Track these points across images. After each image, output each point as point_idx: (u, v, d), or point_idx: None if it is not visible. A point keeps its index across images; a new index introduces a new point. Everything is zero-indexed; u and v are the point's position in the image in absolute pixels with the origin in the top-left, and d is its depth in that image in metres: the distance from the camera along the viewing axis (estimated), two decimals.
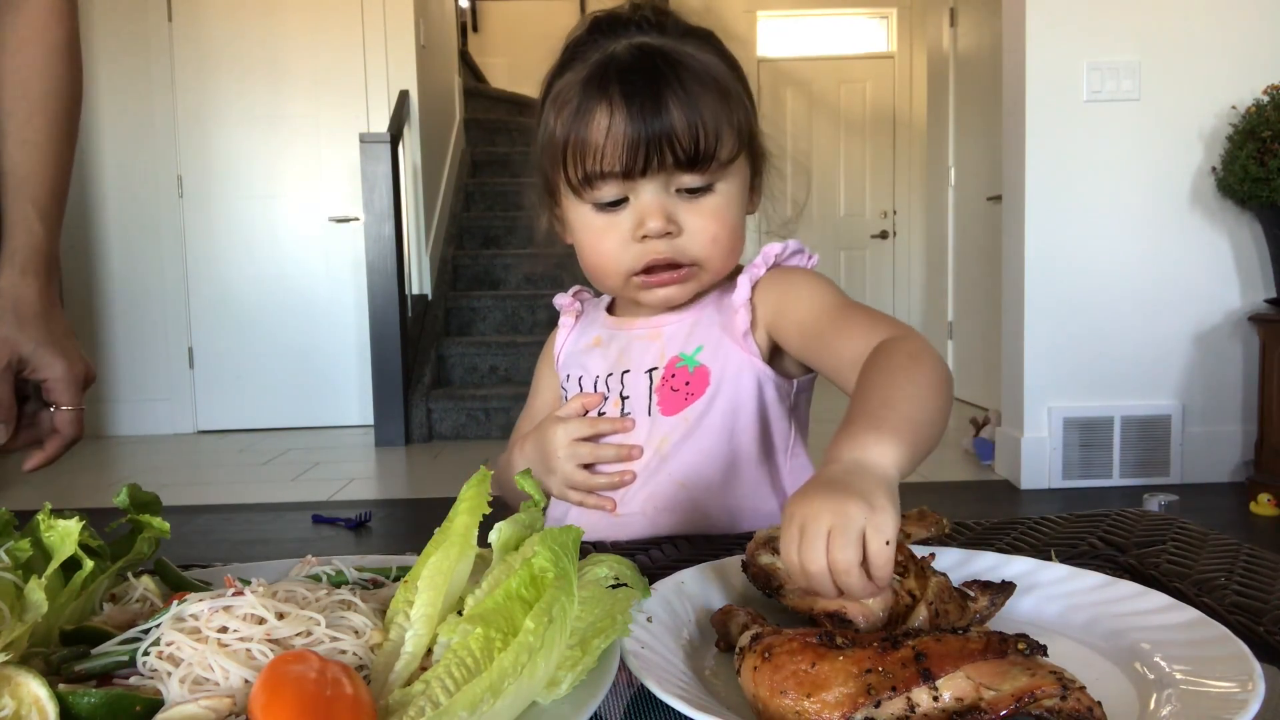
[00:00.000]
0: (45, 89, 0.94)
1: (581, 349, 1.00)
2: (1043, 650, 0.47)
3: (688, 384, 0.92)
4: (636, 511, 0.92)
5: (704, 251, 0.88)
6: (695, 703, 0.47)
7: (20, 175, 0.92)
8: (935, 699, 0.45)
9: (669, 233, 0.86)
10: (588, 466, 0.93)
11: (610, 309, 1.02)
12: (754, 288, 0.91)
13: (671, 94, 0.83)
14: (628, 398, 0.94)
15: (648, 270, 0.88)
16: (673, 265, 0.88)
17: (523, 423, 1.07)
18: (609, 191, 0.86)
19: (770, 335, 0.91)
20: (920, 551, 0.63)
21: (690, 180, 0.85)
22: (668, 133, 0.82)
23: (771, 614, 0.60)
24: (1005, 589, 0.61)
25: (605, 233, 0.88)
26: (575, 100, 0.85)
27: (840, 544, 0.53)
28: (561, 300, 1.07)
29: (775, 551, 0.59)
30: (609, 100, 0.83)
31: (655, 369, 0.94)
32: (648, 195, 0.85)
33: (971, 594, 0.59)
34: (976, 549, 0.71)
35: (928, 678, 0.46)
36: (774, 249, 0.92)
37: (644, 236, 0.86)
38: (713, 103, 0.85)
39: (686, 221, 0.86)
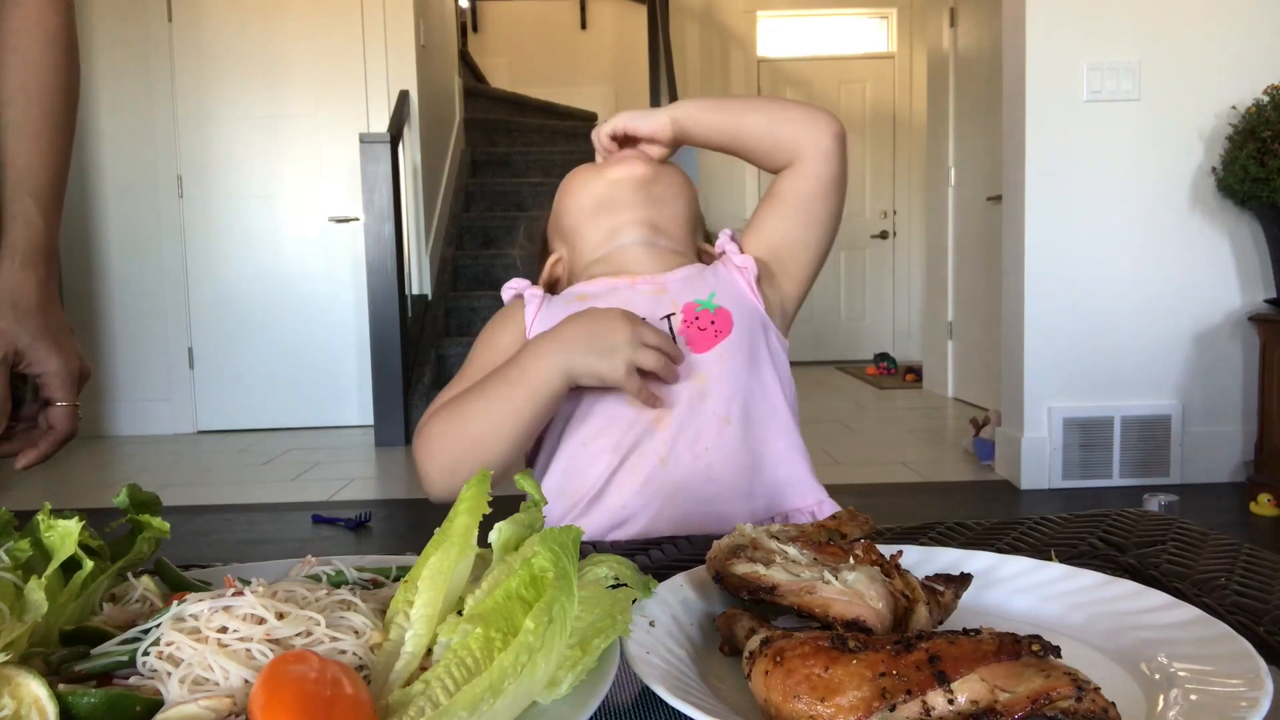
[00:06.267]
0: (42, 80, 0.92)
1: (565, 312, 0.95)
2: (1056, 651, 0.46)
3: (714, 323, 0.94)
4: (684, 450, 0.91)
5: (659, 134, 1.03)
6: (711, 710, 0.47)
7: (19, 167, 0.91)
8: (950, 702, 0.45)
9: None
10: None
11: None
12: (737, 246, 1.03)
13: None
14: None
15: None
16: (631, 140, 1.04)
17: (455, 385, 1.01)
18: None
19: (773, 258, 1.02)
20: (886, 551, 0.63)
21: None
22: None
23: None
24: (964, 580, 0.61)
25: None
26: None
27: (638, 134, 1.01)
28: (519, 283, 1.04)
29: (750, 559, 0.59)
30: None
31: (672, 314, 0.95)
32: None
33: (940, 589, 0.60)
34: (976, 549, 0.71)
35: (942, 680, 0.45)
36: (727, 231, 1.05)
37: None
38: None
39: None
